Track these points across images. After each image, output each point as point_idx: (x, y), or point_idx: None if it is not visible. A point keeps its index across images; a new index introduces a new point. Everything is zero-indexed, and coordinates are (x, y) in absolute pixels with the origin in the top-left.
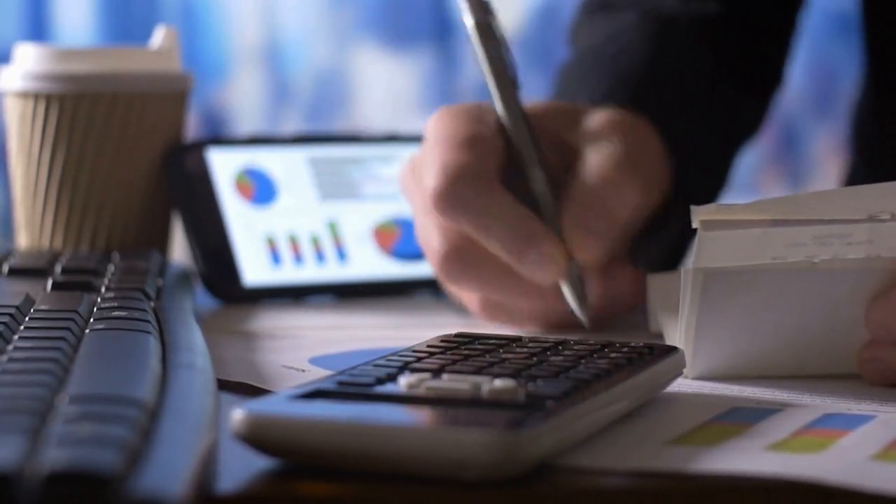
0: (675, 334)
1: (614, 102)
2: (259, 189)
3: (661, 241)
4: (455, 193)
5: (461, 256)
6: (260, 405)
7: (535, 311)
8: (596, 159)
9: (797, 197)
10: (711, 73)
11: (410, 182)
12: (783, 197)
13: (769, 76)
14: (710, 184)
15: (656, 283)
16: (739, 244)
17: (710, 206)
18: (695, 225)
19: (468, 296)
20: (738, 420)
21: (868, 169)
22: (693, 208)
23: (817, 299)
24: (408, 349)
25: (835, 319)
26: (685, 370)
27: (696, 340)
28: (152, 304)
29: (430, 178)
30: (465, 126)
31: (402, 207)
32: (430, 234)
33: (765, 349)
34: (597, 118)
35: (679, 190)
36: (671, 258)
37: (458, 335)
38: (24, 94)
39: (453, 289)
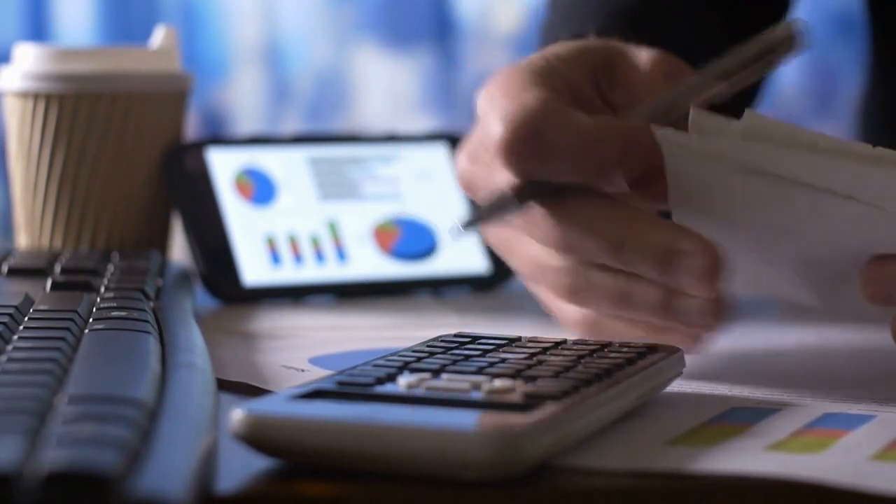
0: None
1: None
2: (259, 189)
3: None
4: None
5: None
6: (259, 405)
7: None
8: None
9: (770, 149)
10: (708, 19)
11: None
12: (754, 145)
13: (767, 18)
14: None
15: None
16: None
17: (674, 135)
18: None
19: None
20: (737, 420)
21: None
22: (656, 131)
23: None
24: (408, 349)
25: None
26: None
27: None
28: (152, 304)
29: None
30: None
31: (401, 207)
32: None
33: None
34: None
35: None
36: None
37: (457, 335)
38: (24, 94)
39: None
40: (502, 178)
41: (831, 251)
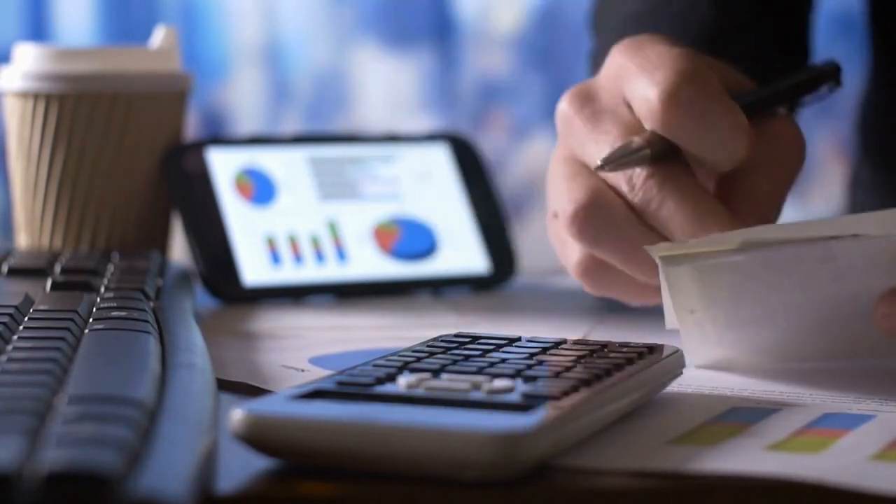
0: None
1: None
2: (259, 189)
3: None
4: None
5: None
6: (259, 405)
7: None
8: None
9: (749, 230)
10: (767, 47)
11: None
12: (736, 231)
13: (801, 48)
14: None
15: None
16: (705, 272)
17: (665, 245)
18: (656, 261)
19: (576, 250)
20: (738, 420)
21: (874, 165)
22: (648, 248)
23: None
24: (408, 349)
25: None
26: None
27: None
28: (152, 304)
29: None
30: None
31: (402, 207)
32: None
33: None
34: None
35: None
36: None
37: (457, 335)
38: (24, 94)
39: (578, 240)
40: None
41: (842, 293)
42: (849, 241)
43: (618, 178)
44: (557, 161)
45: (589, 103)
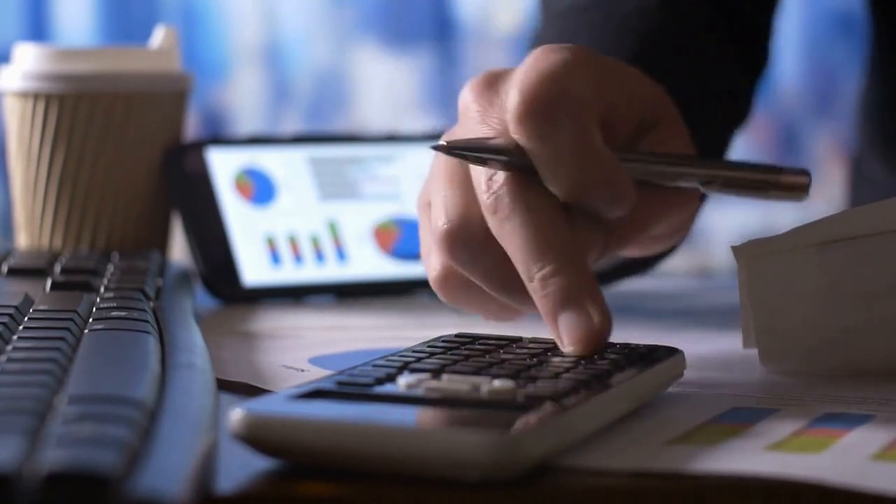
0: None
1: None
2: (259, 189)
3: None
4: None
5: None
6: (259, 405)
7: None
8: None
9: (836, 216)
10: (719, 47)
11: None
12: (823, 219)
13: (761, 54)
14: None
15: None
16: (792, 276)
17: (751, 244)
18: (739, 264)
19: (438, 263)
20: (738, 420)
21: (878, 159)
22: (734, 248)
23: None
24: (408, 349)
25: None
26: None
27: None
28: (152, 304)
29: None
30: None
31: (402, 207)
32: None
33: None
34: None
35: None
36: None
37: (458, 335)
38: (23, 94)
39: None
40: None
41: None
42: None
43: (479, 177)
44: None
45: (487, 91)
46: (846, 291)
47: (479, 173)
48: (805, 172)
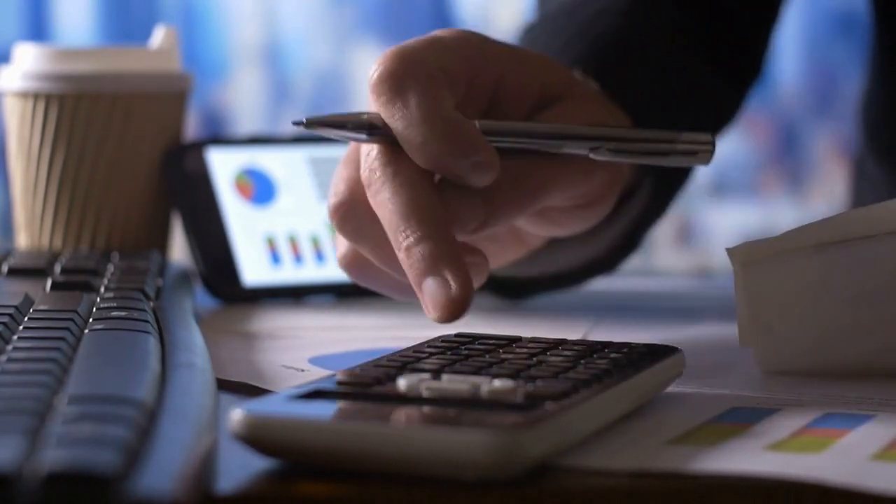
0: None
1: (582, 66)
2: (259, 189)
3: (625, 216)
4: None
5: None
6: (258, 405)
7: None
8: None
9: (830, 219)
10: (690, 53)
11: None
12: (816, 221)
13: (748, 63)
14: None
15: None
16: (787, 279)
17: (745, 246)
18: (734, 265)
19: (341, 243)
20: (738, 420)
21: (880, 161)
22: (729, 250)
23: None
24: (408, 349)
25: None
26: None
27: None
28: (152, 304)
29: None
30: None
31: None
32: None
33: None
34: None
35: (647, 175)
36: (633, 234)
37: (458, 335)
38: (23, 94)
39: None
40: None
41: None
42: None
43: (361, 154)
44: None
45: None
46: (840, 293)
47: (362, 151)
48: (708, 136)
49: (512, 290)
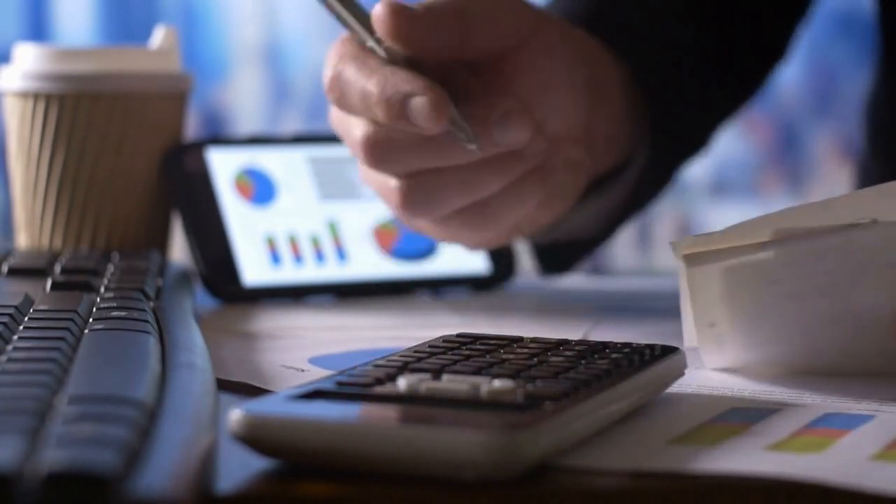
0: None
1: (571, 12)
2: (259, 189)
3: (623, 179)
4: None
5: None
6: (258, 405)
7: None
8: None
9: (774, 215)
10: (701, 26)
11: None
12: (760, 217)
13: (770, 45)
14: (688, 138)
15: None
16: (730, 274)
17: (689, 239)
18: (678, 260)
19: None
20: (738, 420)
21: (880, 160)
22: (673, 243)
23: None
24: (408, 349)
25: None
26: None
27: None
28: (152, 304)
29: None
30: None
31: None
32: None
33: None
34: (555, 33)
35: (646, 133)
36: (634, 197)
37: (459, 335)
38: (23, 94)
39: (376, 176)
40: None
41: (864, 300)
42: (869, 230)
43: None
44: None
45: None
46: (782, 290)
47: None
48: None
49: (556, 258)
